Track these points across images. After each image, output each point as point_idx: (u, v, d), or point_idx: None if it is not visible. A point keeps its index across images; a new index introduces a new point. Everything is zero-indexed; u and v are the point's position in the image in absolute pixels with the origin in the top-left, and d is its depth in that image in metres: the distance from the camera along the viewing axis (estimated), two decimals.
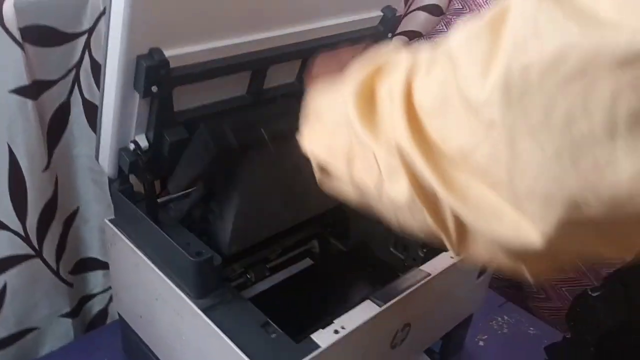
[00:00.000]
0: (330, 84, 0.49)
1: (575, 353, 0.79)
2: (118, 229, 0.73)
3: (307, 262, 0.94)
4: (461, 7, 1.27)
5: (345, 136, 0.42)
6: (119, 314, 0.83)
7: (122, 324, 0.83)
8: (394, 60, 0.42)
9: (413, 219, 0.38)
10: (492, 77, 0.29)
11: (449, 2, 1.28)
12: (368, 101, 0.41)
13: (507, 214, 0.31)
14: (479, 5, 1.24)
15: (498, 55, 0.29)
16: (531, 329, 1.01)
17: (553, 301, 1.10)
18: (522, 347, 0.98)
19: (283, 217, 0.79)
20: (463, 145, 0.33)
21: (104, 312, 0.99)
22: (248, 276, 0.84)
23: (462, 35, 0.34)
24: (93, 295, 0.97)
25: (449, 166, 0.34)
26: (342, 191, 0.47)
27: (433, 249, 0.80)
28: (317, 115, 0.49)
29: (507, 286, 1.17)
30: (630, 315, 0.72)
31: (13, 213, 0.77)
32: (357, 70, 0.44)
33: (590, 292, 0.76)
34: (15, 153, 0.74)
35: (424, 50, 0.39)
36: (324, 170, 0.48)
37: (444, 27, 1.28)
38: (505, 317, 1.02)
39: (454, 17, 1.27)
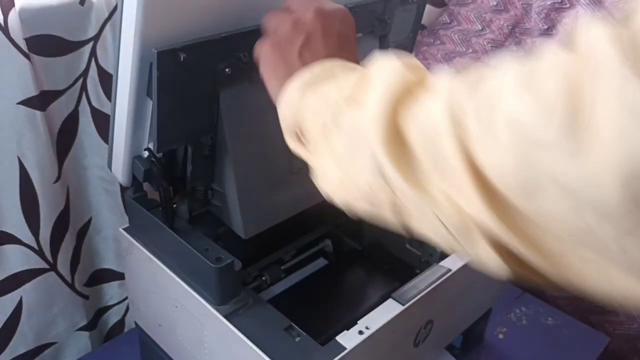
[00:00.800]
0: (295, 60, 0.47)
1: None
2: (133, 238, 0.73)
3: (321, 262, 0.94)
4: None
5: (379, 185, 0.37)
6: (136, 323, 0.82)
7: (140, 334, 0.82)
8: (417, 89, 0.36)
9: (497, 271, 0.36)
10: (613, 184, 0.26)
11: None
12: (397, 142, 0.36)
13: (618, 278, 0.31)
14: None
15: (603, 146, 0.26)
16: (549, 319, 1.00)
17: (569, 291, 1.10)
18: (541, 338, 0.97)
19: (300, 195, 0.75)
20: (581, 240, 0.30)
21: (120, 323, 0.99)
22: (263, 278, 0.83)
23: (527, 95, 0.29)
24: (109, 307, 0.97)
25: (548, 238, 0.31)
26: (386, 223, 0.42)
27: None
28: (315, 130, 0.43)
29: None
30: None
31: (26, 227, 0.77)
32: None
33: None
34: (26, 166, 0.74)
35: (454, 82, 0.34)
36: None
37: (447, 18, 1.27)
38: (524, 309, 1.02)
39: (456, 8, 1.26)
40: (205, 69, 0.60)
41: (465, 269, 0.73)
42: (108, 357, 0.89)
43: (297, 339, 0.62)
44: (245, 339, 0.61)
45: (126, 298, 0.96)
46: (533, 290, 1.06)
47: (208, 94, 0.63)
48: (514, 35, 1.21)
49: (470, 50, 1.23)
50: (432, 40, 1.27)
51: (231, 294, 0.65)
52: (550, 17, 1.13)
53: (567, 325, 1.00)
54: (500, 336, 0.97)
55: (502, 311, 1.00)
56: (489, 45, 1.22)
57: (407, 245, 0.88)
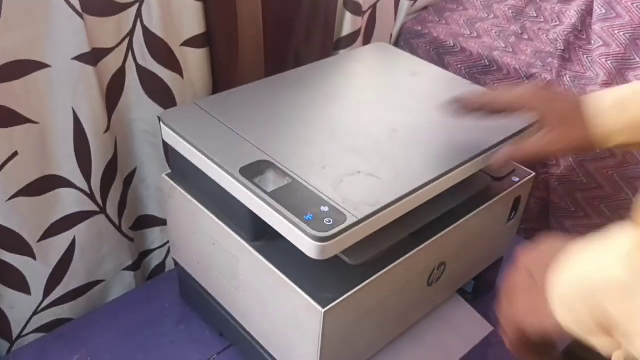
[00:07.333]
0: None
1: None
2: (175, 182, 0.80)
3: None
4: None
5: None
6: (176, 262, 0.90)
7: (180, 272, 0.91)
8: None
9: None
10: None
11: None
12: None
13: None
14: None
15: None
16: None
17: (591, 218, 1.13)
18: None
19: None
20: None
21: (161, 266, 1.07)
22: None
23: None
24: (152, 250, 1.05)
25: None
26: None
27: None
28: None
29: (536, 234, 1.22)
30: None
31: (79, 172, 0.84)
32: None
33: None
34: (80, 116, 0.81)
35: None
36: None
37: None
38: None
39: None
40: None
41: (476, 216, 0.80)
42: (150, 293, 0.98)
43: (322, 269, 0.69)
44: (277, 270, 0.68)
45: (167, 242, 1.04)
46: None
47: None
48: (535, 2, 1.25)
49: (492, 16, 1.28)
50: (455, 7, 1.32)
51: (263, 231, 0.72)
52: None
53: None
54: None
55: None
56: (510, 11, 1.26)
57: None
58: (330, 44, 1.12)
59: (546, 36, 1.19)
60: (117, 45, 0.83)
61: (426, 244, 0.74)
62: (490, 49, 1.18)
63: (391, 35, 1.28)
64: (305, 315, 0.66)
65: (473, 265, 0.91)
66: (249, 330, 0.80)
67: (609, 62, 1.06)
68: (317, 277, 0.68)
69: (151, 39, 0.84)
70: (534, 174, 0.88)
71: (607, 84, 1.05)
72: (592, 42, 1.13)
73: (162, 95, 0.90)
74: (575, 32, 1.13)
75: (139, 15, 0.82)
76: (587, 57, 1.11)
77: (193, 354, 0.88)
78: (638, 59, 1.06)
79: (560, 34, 1.14)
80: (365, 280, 0.68)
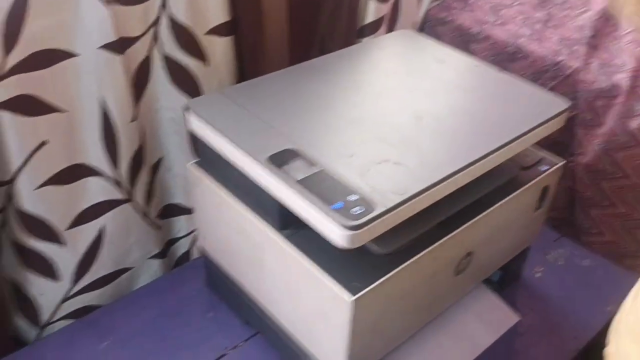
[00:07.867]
0: None
1: None
2: (201, 171, 0.80)
3: None
4: None
5: None
6: (203, 249, 0.91)
7: (206, 260, 0.91)
8: None
9: None
10: None
11: None
12: None
13: None
14: None
15: None
16: (585, 261, 1.05)
17: (605, 235, 1.14)
18: (577, 278, 1.02)
19: None
20: None
21: (187, 254, 1.07)
22: None
23: None
24: (178, 239, 1.05)
25: None
26: None
27: None
28: None
29: (562, 224, 1.20)
30: None
31: (107, 161, 0.85)
32: None
33: None
34: (107, 106, 0.81)
35: None
36: None
37: None
38: (561, 251, 1.07)
39: None
40: None
41: (504, 205, 0.79)
42: (176, 281, 0.98)
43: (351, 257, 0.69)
44: (305, 259, 0.68)
45: (193, 231, 1.05)
46: (570, 235, 1.12)
47: None
48: None
49: (517, 2, 1.25)
50: None
51: (292, 219, 0.72)
52: None
53: (602, 267, 1.04)
54: (538, 275, 1.02)
55: (540, 252, 1.05)
56: None
57: None
58: (354, 32, 1.12)
59: (573, 23, 1.17)
60: (143, 34, 0.83)
61: (454, 233, 0.74)
62: (516, 37, 1.16)
63: (415, 22, 1.27)
64: (333, 304, 0.66)
65: (500, 254, 0.90)
66: (276, 318, 0.80)
67: (638, 48, 1.04)
68: (345, 266, 0.67)
69: (177, 27, 0.84)
70: (563, 162, 0.87)
71: (636, 71, 1.03)
72: (621, 28, 1.10)
73: (187, 84, 0.90)
74: (604, 19, 1.11)
75: (164, 3, 0.82)
76: (615, 44, 1.09)
77: (220, 341, 0.88)
78: None
79: (588, 20, 1.12)
80: (393, 270, 0.68)
